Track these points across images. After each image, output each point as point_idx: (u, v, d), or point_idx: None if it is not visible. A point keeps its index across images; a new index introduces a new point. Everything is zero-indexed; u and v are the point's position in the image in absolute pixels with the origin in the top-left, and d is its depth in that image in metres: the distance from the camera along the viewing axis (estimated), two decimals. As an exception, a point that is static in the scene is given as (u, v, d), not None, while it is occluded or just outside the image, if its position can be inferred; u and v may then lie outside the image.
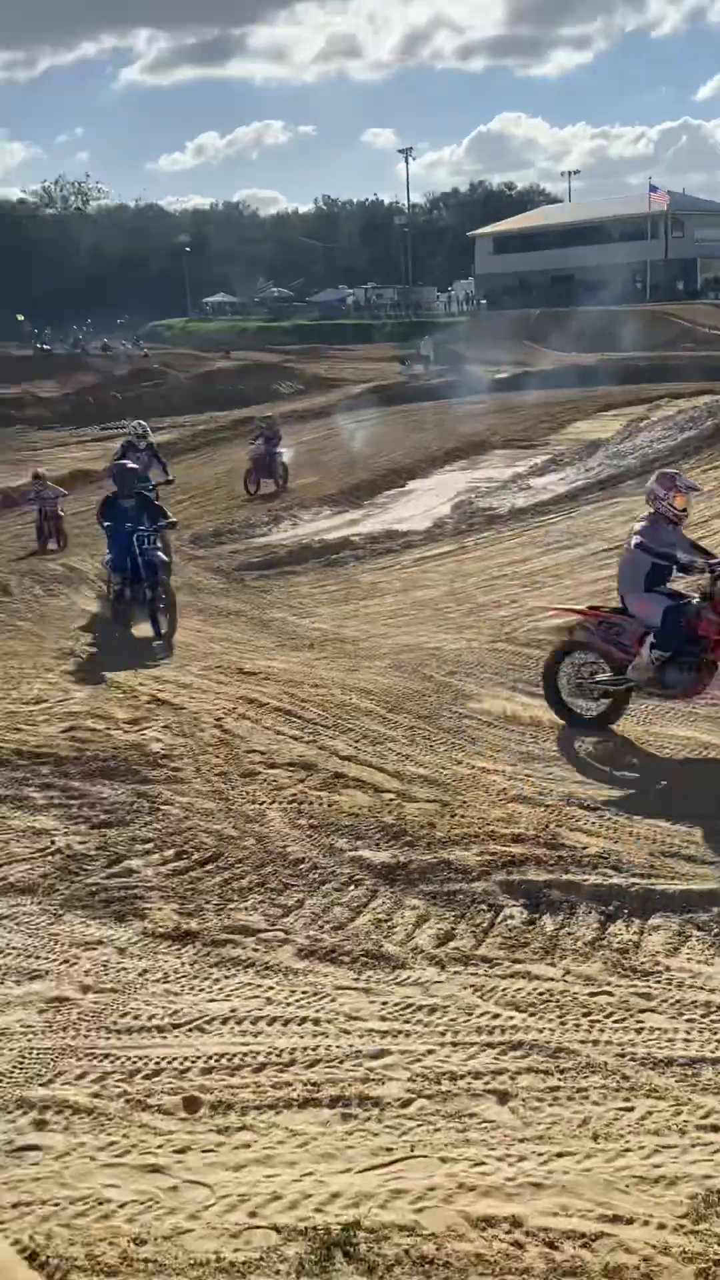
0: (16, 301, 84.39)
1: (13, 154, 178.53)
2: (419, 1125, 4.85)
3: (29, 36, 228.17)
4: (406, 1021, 5.66)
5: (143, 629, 14.39)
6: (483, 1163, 4.59)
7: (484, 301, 69.56)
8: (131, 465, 15.58)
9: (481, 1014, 5.71)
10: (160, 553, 14.27)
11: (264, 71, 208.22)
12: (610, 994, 5.88)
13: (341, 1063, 5.31)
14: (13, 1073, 5.31)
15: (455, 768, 9.04)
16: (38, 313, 77.73)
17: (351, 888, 7.08)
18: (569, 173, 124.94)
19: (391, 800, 8.32)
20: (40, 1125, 4.94)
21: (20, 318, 73.65)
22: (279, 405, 40.39)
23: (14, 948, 6.52)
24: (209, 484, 27.98)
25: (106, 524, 14.39)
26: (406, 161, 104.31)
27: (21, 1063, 5.39)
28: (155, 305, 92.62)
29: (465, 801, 8.25)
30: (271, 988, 6.01)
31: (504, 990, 5.93)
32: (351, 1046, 5.44)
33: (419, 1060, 5.32)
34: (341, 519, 23.84)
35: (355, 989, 5.98)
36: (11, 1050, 5.49)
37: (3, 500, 26.61)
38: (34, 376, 52.32)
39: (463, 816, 7.94)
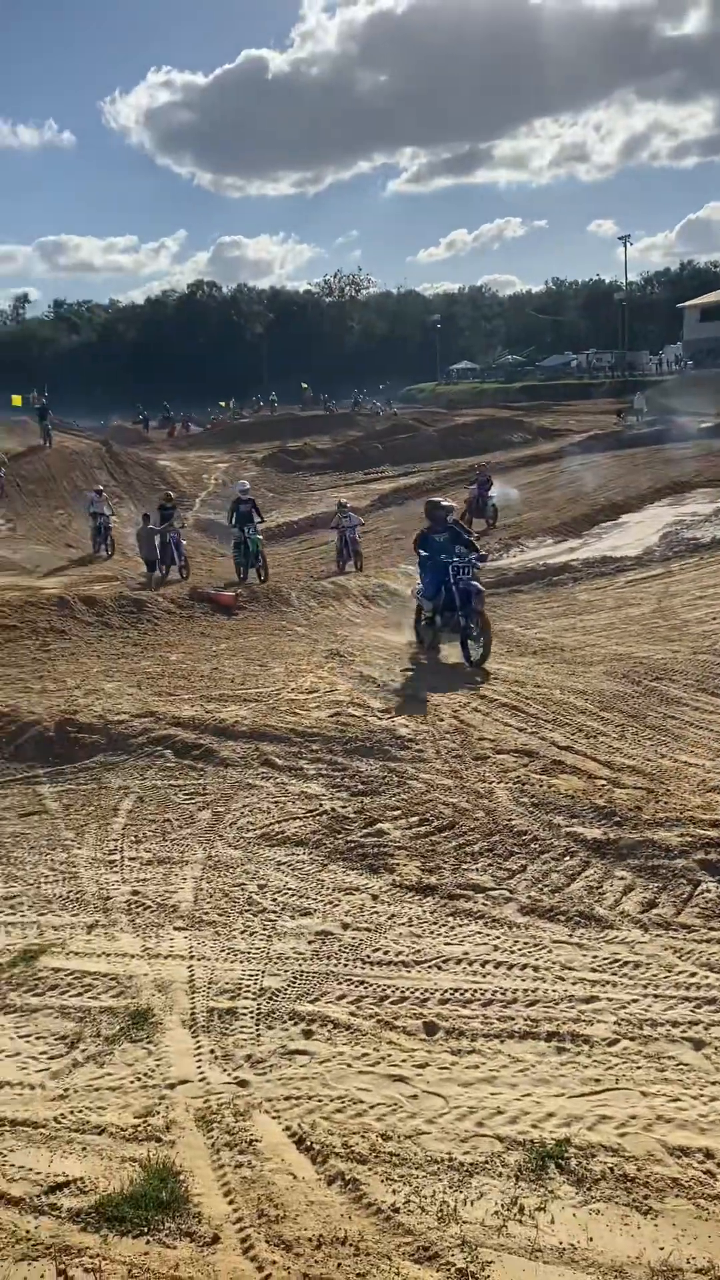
0: (301, 372, 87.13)
1: (301, 254, 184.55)
2: (623, 1062, 4.70)
3: (318, 159, 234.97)
4: (614, 974, 5.50)
5: (450, 652, 12.98)
6: (679, 1099, 4.41)
7: (690, 362, 67.09)
8: (446, 503, 13.90)
9: (680, 972, 5.48)
10: (476, 582, 12.76)
11: (505, 177, 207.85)
12: None
13: (557, 1004, 5.21)
14: (287, 990, 5.45)
15: (660, 760, 8.73)
16: (315, 381, 79.98)
17: (567, 858, 6.94)
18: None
19: (603, 785, 8.10)
20: (308, 1034, 5.05)
21: (304, 385, 75.89)
22: (511, 452, 40.10)
23: (289, 888, 6.70)
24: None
25: (423, 554, 13.15)
26: (625, 246, 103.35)
27: (294, 982, 5.53)
28: (410, 372, 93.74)
29: (668, 789, 7.95)
30: (498, 937, 5.96)
31: (700, 953, 5.68)
32: (565, 991, 5.33)
33: (624, 1007, 5.15)
34: (562, 547, 23.43)
35: (569, 943, 5.85)
36: (286, 971, 5.64)
37: (310, 522, 27.54)
38: (313, 432, 53.76)
39: (666, 802, 7.66)
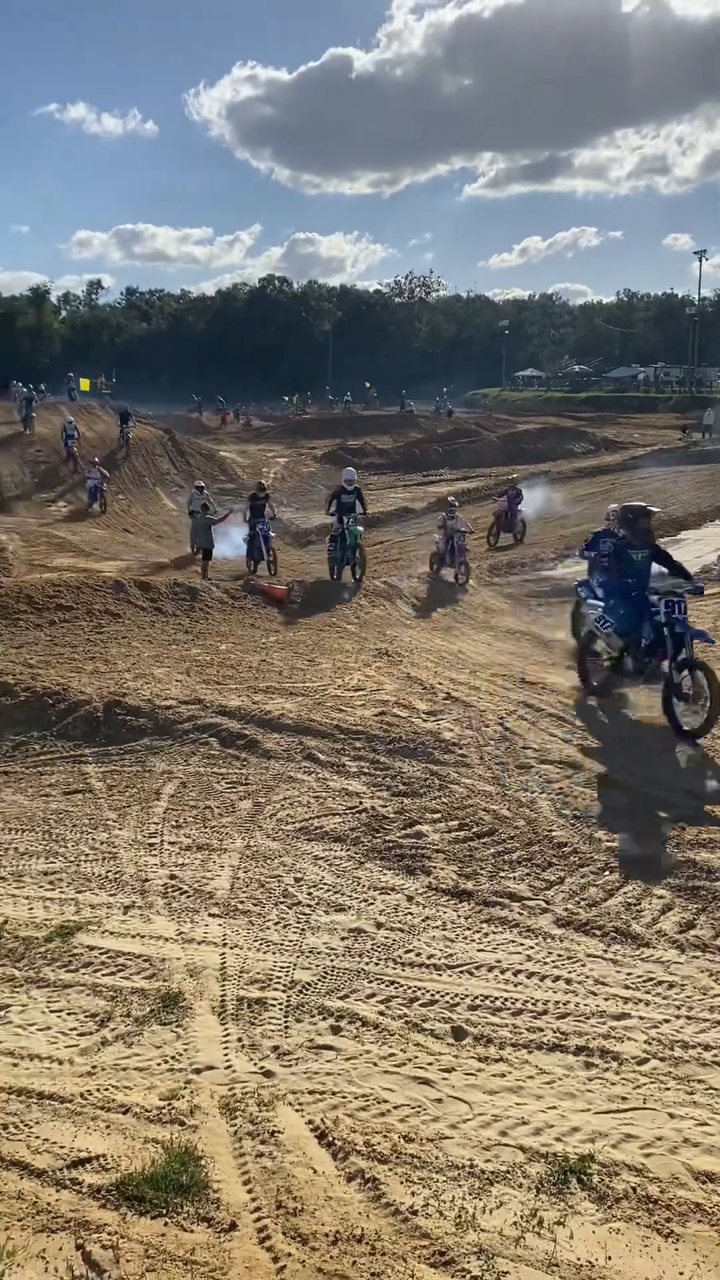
0: (366, 371, 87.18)
1: (374, 254, 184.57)
2: (652, 1082, 4.64)
3: (396, 160, 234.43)
4: (647, 992, 5.43)
5: (643, 709, 10.36)
6: (706, 1124, 4.34)
7: (760, 381, 66.28)
8: (651, 508, 10.74)
9: (715, 995, 5.39)
10: (696, 626, 10.06)
11: (584, 186, 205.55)
12: None
13: (588, 1018, 5.15)
14: (317, 984, 5.46)
15: (708, 781, 8.60)
16: (379, 381, 79.97)
17: (606, 873, 6.87)
18: None
19: (645, 801, 8.00)
20: (336, 1030, 5.05)
21: (368, 385, 75.93)
22: (573, 462, 39.78)
23: (325, 884, 6.71)
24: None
25: (628, 580, 10.21)
26: (700, 261, 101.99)
27: (325, 977, 5.53)
28: (475, 377, 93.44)
29: (714, 811, 7.83)
30: (532, 947, 5.91)
31: (737, 979, 5.59)
32: (597, 1006, 5.27)
33: (656, 1026, 5.09)
34: (619, 561, 23.18)
35: (604, 958, 5.79)
36: (317, 965, 5.65)
37: (368, 521, 27.33)
38: (374, 431, 53.75)
39: (711, 824, 7.55)
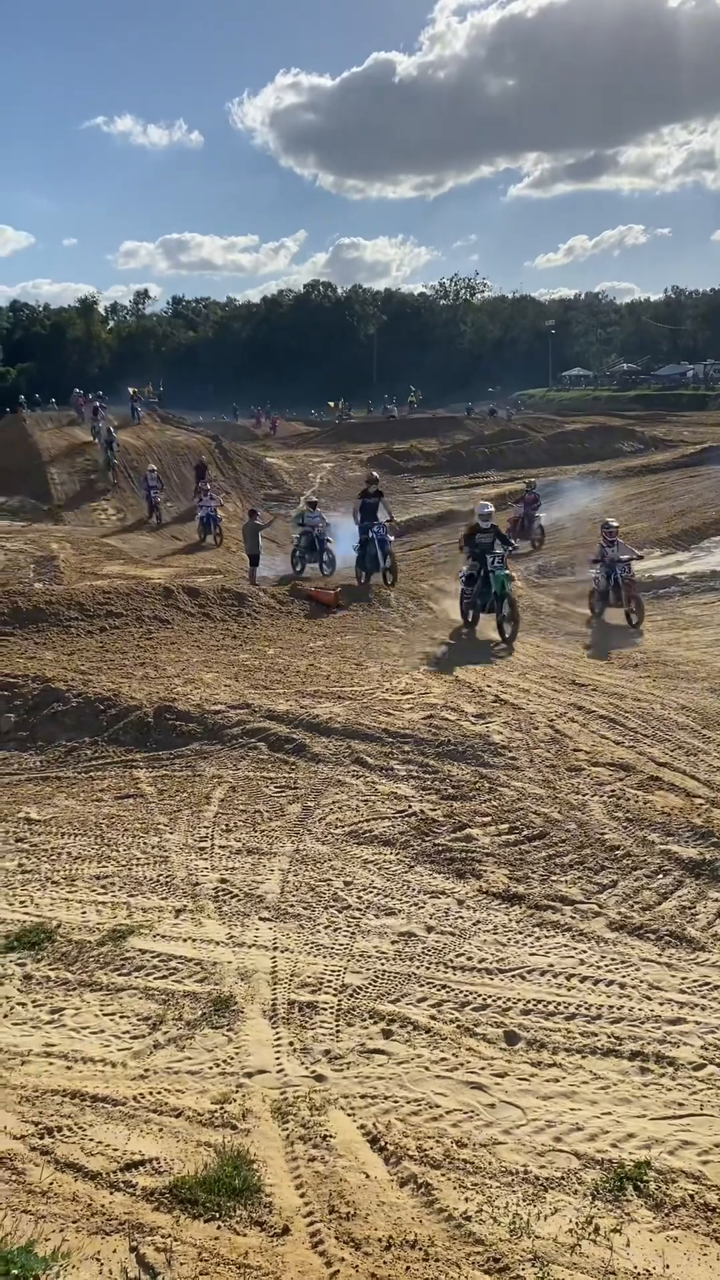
0: (410, 374, 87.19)
1: (419, 257, 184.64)
2: (708, 1088, 4.57)
3: (440, 163, 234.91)
4: (703, 997, 5.35)
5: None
6: (767, 1133, 4.26)
7: None
8: None
9: (774, 1001, 5.30)
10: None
11: (630, 183, 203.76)
12: None
13: (642, 1023, 5.09)
14: (368, 988, 5.44)
15: (761, 782, 8.46)
16: (424, 384, 79.90)
17: (660, 876, 6.78)
18: None
19: (701, 804, 7.90)
20: (387, 1034, 5.03)
21: (412, 389, 75.93)
22: (622, 461, 39.42)
23: (375, 887, 6.69)
24: (555, 526, 27.65)
25: None
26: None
27: (375, 981, 5.51)
28: (521, 377, 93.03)
29: (769, 812, 7.70)
30: (584, 951, 5.85)
31: None
32: (652, 1011, 5.20)
33: (712, 1032, 5.01)
34: (669, 559, 22.91)
35: (658, 963, 5.71)
36: (368, 969, 5.63)
37: (416, 524, 27.34)
38: (420, 434, 53.65)
39: (766, 825, 7.42)
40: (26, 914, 6.50)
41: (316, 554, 20.15)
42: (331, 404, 73.27)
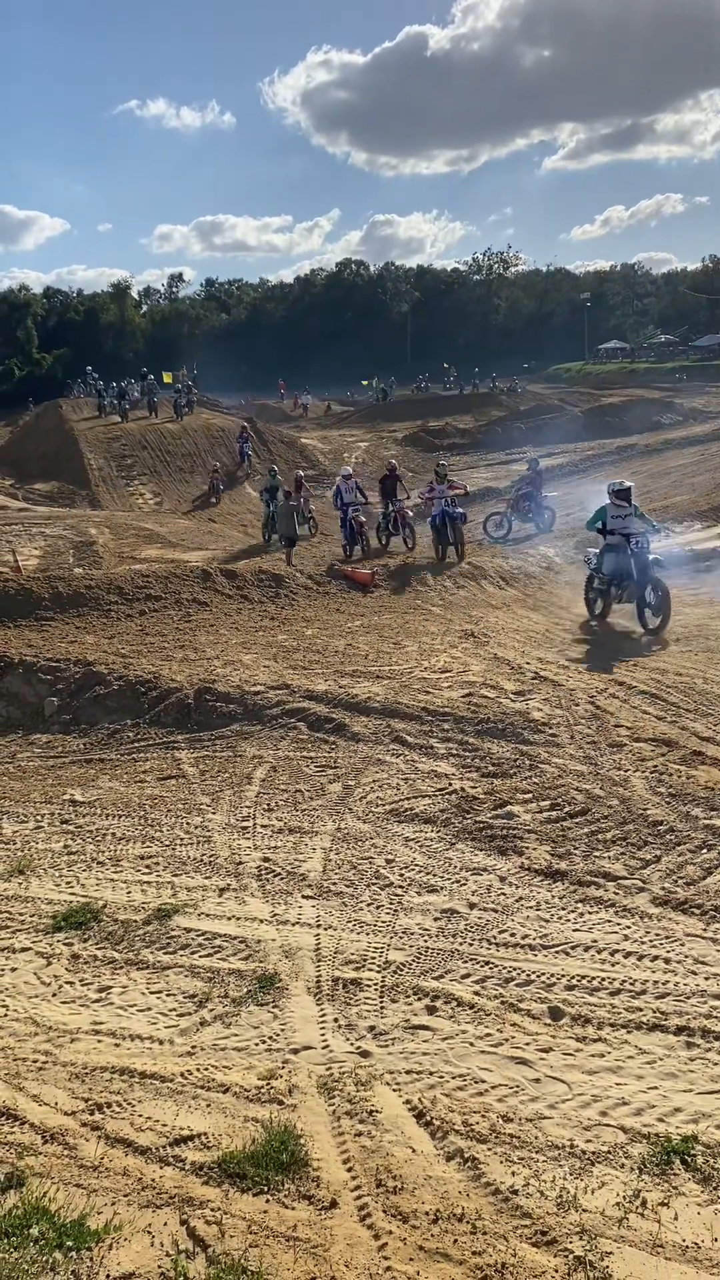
0: (444, 351, 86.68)
1: (453, 232, 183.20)
2: (757, 1064, 4.53)
3: (474, 137, 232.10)
4: (750, 972, 5.30)
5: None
6: None
7: None
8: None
9: None
10: None
11: (667, 152, 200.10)
12: None
13: (688, 998, 5.06)
14: (411, 965, 5.46)
15: None
16: (458, 360, 79.41)
17: (704, 850, 6.72)
18: None
19: (745, 778, 7.81)
20: (431, 1010, 5.04)
21: (446, 366, 75.45)
22: (660, 434, 38.96)
23: (417, 865, 6.70)
24: (590, 500, 27.41)
25: None
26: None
27: (419, 958, 5.53)
28: (558, 351, 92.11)
29: None
30: (628, 926, 5.82)
31: None
32: (697, 986, 5.17)
33: (760, 1007, 4.97)
34: (710, 532, 22.61)
35: (703, 938, 5.67)
36: (411, 946, 5.65)
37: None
38: (455, 411, 53.33)
39: None
40: (73, 894, 6.58)
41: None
42: (365, 381, 72.97)
